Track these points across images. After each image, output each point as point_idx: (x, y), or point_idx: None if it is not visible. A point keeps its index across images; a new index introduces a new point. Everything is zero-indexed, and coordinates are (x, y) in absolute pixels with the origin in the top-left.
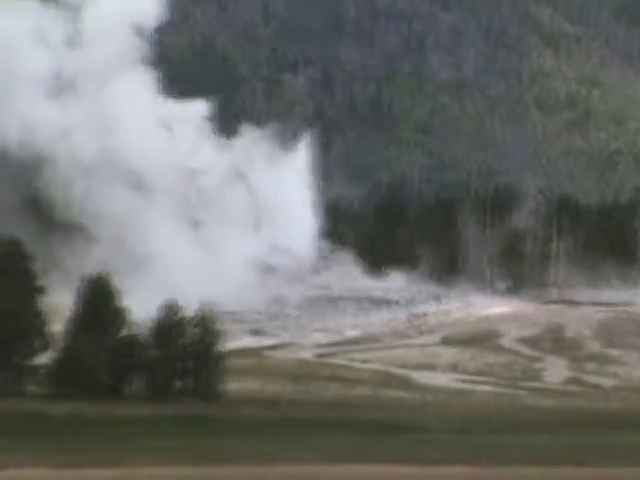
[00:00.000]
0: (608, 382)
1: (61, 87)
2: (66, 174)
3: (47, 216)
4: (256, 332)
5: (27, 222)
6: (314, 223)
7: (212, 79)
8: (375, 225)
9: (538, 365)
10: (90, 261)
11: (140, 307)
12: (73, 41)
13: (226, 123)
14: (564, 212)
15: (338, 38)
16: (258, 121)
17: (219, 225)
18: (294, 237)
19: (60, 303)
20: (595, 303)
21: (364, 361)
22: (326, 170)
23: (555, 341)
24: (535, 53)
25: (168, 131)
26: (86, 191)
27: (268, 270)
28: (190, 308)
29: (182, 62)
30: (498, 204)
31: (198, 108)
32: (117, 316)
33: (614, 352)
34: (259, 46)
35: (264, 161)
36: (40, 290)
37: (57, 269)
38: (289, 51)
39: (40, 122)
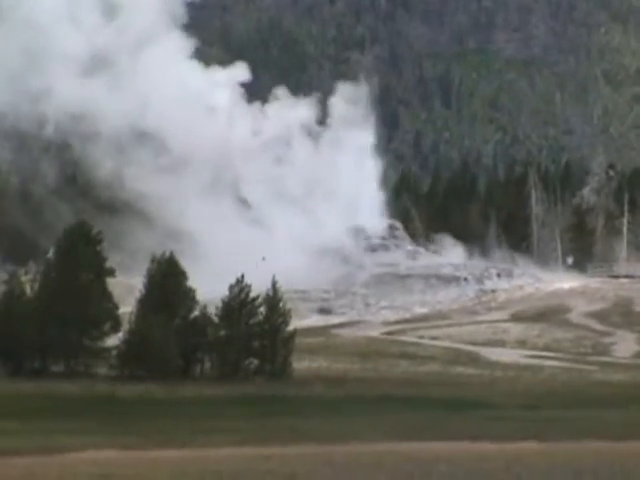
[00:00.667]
0: None
1: (96, 63)
2: (103, 152)
3: (90, 195)
4: (324, 310)
5: (73, 201)
6: (383, 200)
7: (280, 59)
8: (445, 201)
9: (607, 339)
10: (146, 241)
11: (201, 288)
12: (106, 14)
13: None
14: (635, 186)
15: (406, 16)
16: (326, 99)
17: (284, 204)
18: (362, 214)
19: (127, 284)
20: None
21: (433, 338)
22: (396, 147)
23: (624, 315)
24: (603, 28)
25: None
26: (122, 170)
27: (335, 249)
28: (257, 287)
29: (249, 42)
30: (568, 179)
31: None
32: (186, 297)
33: None
34: (325, 25)
35: (330, 139)
36: (109, 272)
37: (118, 250)
38: (355, 30)
39: (75, 99)
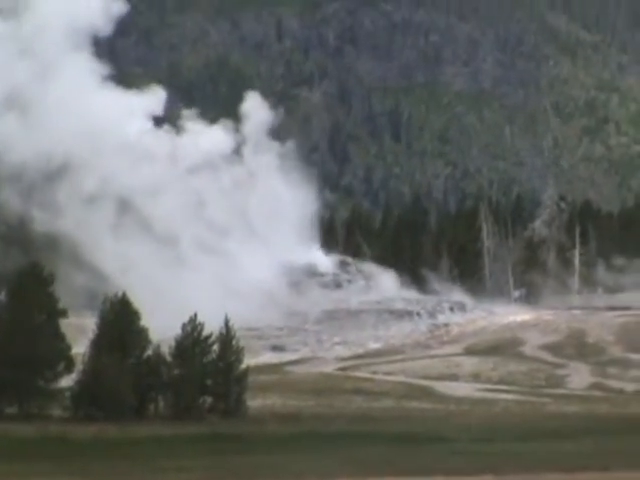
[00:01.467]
0: (631, 386)
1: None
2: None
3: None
4: (277, 348)
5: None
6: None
7: (228, 96)
8: (396, 236)
9: (561, 372)
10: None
11: (156, 327)
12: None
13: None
14: (586, 218)
15: (354, 51)
16: (276, 136)
17: (233, 241)
18: (313, 251)
19: (79, 324)
20: (616, 308)
21: (387, 373)
22: (347, 183)
23: (577, 347)
24: (552, 61)
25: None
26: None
27: (287, 285)
28: (209, 326)
29: (198, 79)
30: (519, 212)
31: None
32: (139, 336)
33: (636, 356)
34: (274, 62)
35: (280, 175)
36: (62, 313)
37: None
38: (304, 66)
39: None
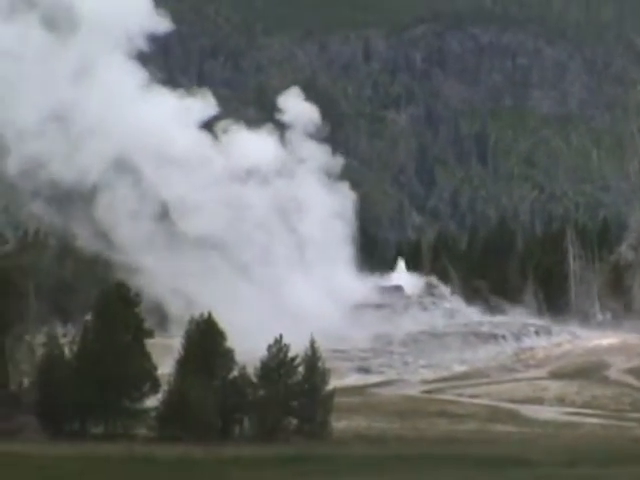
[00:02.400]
0: None
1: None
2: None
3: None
4: (362, 369)
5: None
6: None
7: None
8: (482, 259)
9: None
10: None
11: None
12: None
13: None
14: None
15: (441, 74)
16: (362, 159)
17: (322, 264)
18: (401, 274)
19: (165, 344)
20: None
21: (472, 396)
22: (433, 205)
23: None
24: (639, 85)
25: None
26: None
27: (374, 307)
28: (296, 347)
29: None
30: (605, 236)
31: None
32: (225, 357)
33: None
34: (361, 84)
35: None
36: (147, 333)
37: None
38: (391, 89)
39: None
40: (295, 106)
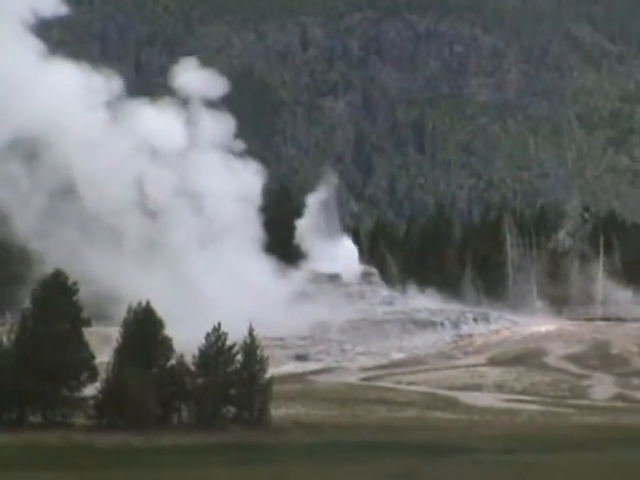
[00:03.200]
0: None
1: None
2: None
3: None
4: (300, 357)
5: None
6: (357, 246)
7: (252, 106)
8: (420, 247)
9: (584, 382)
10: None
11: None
12: None
13: (268, 148)
14: (609, 229)
15: (379, 62)
16: (300, 147)
17: (257, 252)
18: (337, 261)
19: (103, 333)
20: None
21: (410, 383)
22: (371, 193)
23: (601, 358)
24: (577, 72)
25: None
26: None
27: (311, 295)
28: (233, 335)
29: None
30: (543, 223)
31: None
32: (163, 346)
33: None
34: (298, 72)
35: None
36: (85, 322)
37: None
38: (328, 76)
39: None
40: (191, 77)
